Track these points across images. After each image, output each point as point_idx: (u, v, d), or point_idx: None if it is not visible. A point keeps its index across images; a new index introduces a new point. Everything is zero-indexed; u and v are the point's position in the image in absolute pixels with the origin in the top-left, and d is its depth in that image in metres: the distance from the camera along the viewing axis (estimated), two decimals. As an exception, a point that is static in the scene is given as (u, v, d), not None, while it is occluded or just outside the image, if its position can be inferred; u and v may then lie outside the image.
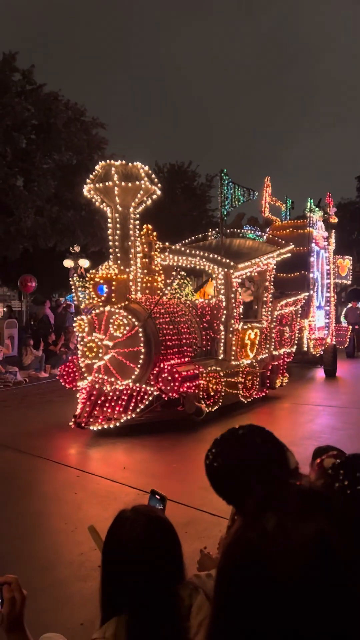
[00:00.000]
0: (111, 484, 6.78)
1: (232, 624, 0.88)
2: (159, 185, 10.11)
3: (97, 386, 9.27)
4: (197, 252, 10.58)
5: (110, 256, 9.77)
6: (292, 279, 14.46)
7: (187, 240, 12.88)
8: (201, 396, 9.77)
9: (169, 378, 8.97)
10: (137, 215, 10.01)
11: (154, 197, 10.23)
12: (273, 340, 11.99)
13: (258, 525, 0.90)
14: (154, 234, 10.26)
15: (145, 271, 10.16)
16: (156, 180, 10.11)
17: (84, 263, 22.79)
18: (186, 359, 9.67)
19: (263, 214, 16.09)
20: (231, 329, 10.47)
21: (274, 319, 11.94)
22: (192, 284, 12.14)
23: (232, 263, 10.21)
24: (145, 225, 10.18)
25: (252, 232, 13.13)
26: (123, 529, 1.75)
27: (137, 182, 9.68)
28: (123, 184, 9.53)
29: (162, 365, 9.06)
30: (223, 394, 10.32)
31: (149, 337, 9.16)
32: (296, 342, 13.18)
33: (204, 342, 10.38)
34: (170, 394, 8.99)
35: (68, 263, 23.03)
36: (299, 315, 13.33)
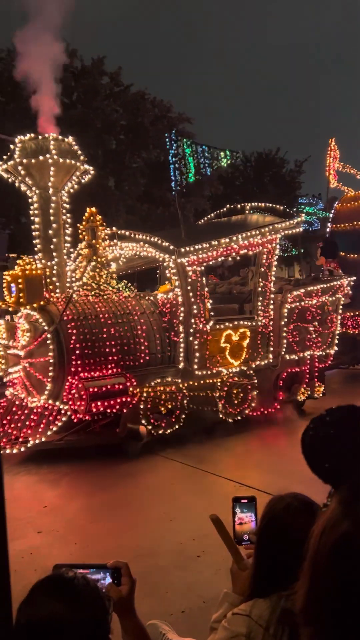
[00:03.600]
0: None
1: (325, 613, 0.96)
2: (88, 167, 8.39)
3: (17, 402, 7.92)
4: (141, 237, 8.54)
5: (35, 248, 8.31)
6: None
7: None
8: (149, 415, 7.81)
9: (77, 395, 7.22)
10: (66, 199, 8.41)
11: (87, 177, 8.54)
12: (285, 341, 9.34)
13: (353, 513, 0.97)
14: (98, 218, 8.51)
15: (85, 264, 8.46)
16: (84, 158, 8.40)
17: None
18: (116, 370, 7.74)
19: (329, 184, 13.17)
20: (192, 331, 8.24)
21: (283, 315, 9.29)
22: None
23: (172, 247, 8.00)
24: (88, 209, 8.51)
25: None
26: (287, 514, 1.75)
27: (73, 161, 8.13)
28: (61, 160, 8.04)
29: (71, 380, 7.34)
30: (187, 411, 8.17)
31: (61, 344, 7.49)
32: (335, 341, 10.20)
33: (159, 348, 8.31)
34: (82, 414, 7.24)
35: None
36: (340, 307, 10.31)
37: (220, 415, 8.57)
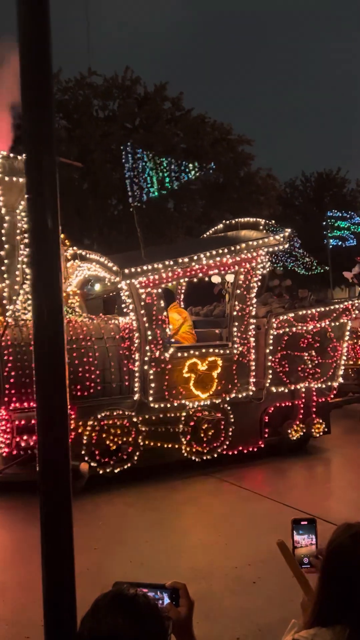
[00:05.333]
0: None
1: None
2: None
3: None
4: (93, 257, 7.99)
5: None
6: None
7: (209, 232, 10.23)
8: (94, 451, 7.21)
9: (3, 427, 6.81)
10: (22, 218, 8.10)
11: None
12: (270, 371, 8.33)
13: None
14: (61, 236, 8.11)
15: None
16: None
17: (231, 278, 21.26)
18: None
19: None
20: (147, 359, 7.53)
21: (269, 342, 8.29)
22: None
23: (116, 268, 7.36)
24: None
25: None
26: (354, 542, 1.73)
27: (21, 179, 7.85)
28: (7, 178, 7.84)
29: (3, 411, 6.95)
30: (142, 448, 7.46)
31: (-4, 371, 7.14)
32: (338, 372, 8.95)
33: (114, 377, 7.67)
34: (8, 449, 6.81)
35: (216, 279, 21.75)
36: (346, 333, 9.05)
37: (184, 454, 7.74)
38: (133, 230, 21.69)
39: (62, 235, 7.99)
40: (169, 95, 23.21)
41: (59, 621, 1.75)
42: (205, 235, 10.43)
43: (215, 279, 19.45)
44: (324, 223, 12.85)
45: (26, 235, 7.92)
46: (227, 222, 9.70)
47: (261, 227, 8.85)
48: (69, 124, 22.93)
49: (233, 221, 9.50)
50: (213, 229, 10.11)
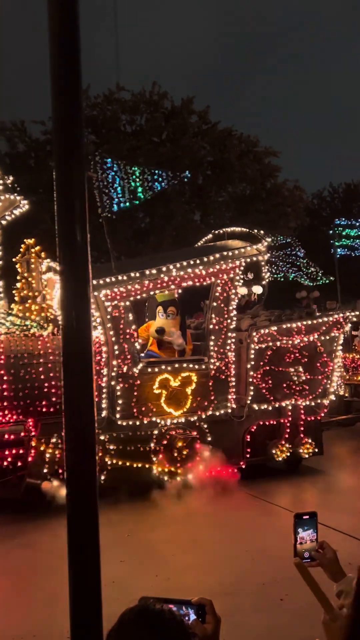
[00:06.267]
0: None
1: None
2: (18, 196, 7.95)
3: None
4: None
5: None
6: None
7: (200, 242, 9.98)
8: (57, 469, 7.00)
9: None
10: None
11: (18, 210, 8.11)
12: (252, 387, 7.91)
13: None
14: (34, 250, 8.03)
15: (24, 299, 7.99)
16: (15, 187, 8.00)
17: (258, 289, 20.88)
18: (23, 417, 7.04)
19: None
20: (114, 374, 7.28)
21: (250, 357, 7.89)
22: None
23: None
24: (26, 241, 8.10)
25: None
26: None
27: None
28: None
29: None
30: (109, 467, 7.20)
31: None
32: (330, 389, 8.41)
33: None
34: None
35: (242, 290, 21.51)
36: (338, 347, 8.50)
37: (156, 473, 7.41)
38: (160, 242, 21.65)
39: (37, 248, 7.94)
40: (196, 109, 23.13)
41: (86, 634, 1.78)
42: (197, 245, 10.15)
43: (242, 290, 18.98)
44: (330, 232, 12.30)
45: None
46: (217, 232, 9.38)
47: (256, 237, 8.46)
48: (97, 139, 23.19)
49: (221, 231, 9.18)
50: (204, 239, 9.81)
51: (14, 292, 8.10)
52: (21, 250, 8.10)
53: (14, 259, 8.09)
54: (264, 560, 5.23)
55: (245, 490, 7.46)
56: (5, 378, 7.01)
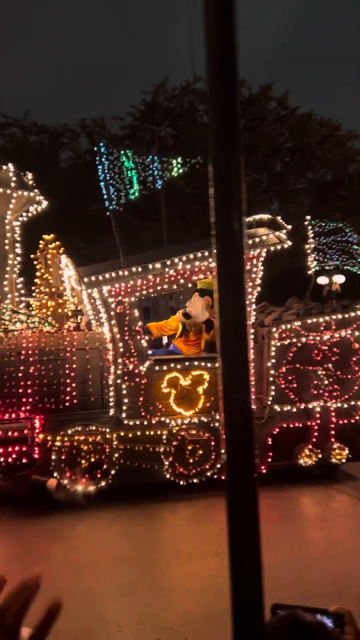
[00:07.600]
0: None
1: None
2: (36, 191, 7.92)
3: None
4: (72, 266, 7.63)
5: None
6: None
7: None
8: (63, 467, 6.94)
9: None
10: (15, 229, 8.07)
11: (39, 207, 8.10)
12: (273, 387, 7.34)
13: None
14: (52, 246, 7.99)
15: (42, 295, 7.99)
16: (33, 184, 7.98)
17: (340, 279, 19.73)
18: (32, 414, 7.01)
19: None
20: (120, 373, 7.05)
21: (271, 355, 7.31)
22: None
23: (75, 277, 6.94)
24: (44, 236, 8.09)
25: None
26: None
27: (7, 190, 7.89)
28: None
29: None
30: (117, 467, 7.01)
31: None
32: (364, 390, 7.58)
33: (91, 390, 7.26)
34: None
35: (323, 280, 20.48)
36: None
37: (167, 476, 7.11)
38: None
39: (57, 243, 7.89)
40: (274, 95, 22.26)
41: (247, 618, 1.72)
42: None
43: (323, 280, 17.77)
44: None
45: (17, 245, 7.95)
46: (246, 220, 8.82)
47: (279, 224, 7.88)
48: (175, 131, 23.07)
49: (251, 219, 8.61)
50: None
51: (32, 287, 8.14)
52: (40, 246, 8.11)
53: (31, 255, 8.13)
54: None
55: (349, 492, 7.24)
56: (22, 374, 7.01)
